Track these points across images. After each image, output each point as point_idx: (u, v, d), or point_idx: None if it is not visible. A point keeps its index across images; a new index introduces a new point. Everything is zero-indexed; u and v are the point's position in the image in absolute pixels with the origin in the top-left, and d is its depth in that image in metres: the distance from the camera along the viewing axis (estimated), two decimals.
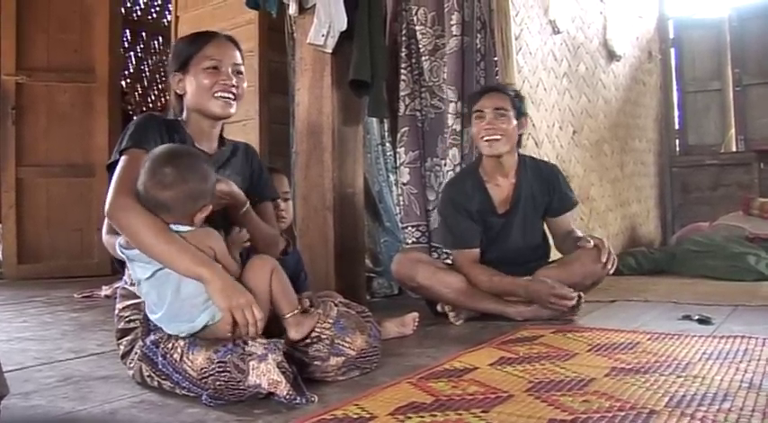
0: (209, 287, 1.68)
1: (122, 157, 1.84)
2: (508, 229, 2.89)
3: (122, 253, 1.77)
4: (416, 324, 2.52)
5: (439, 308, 2.83)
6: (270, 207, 2.17)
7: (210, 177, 1.77)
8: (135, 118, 1.98)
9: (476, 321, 2.76)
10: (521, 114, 2.87)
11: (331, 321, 1.86)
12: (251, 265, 1.82)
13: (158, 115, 2.06)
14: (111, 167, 1.87)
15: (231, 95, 1.98)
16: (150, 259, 1.71)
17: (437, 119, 3.57)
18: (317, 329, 1.83)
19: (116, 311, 1.92)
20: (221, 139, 2.09)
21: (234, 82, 1.98)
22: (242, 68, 2.03)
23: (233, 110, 2.00)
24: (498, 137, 2.79)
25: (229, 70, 1.98)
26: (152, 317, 1.76)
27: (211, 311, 1.68)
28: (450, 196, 2.95)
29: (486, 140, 2.80)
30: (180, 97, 2.04)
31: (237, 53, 2.04)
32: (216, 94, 1.95)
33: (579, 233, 2.84)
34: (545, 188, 2.91)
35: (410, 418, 1.42)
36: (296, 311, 1.82)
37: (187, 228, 1.73)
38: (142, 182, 1.71)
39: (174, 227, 1.72)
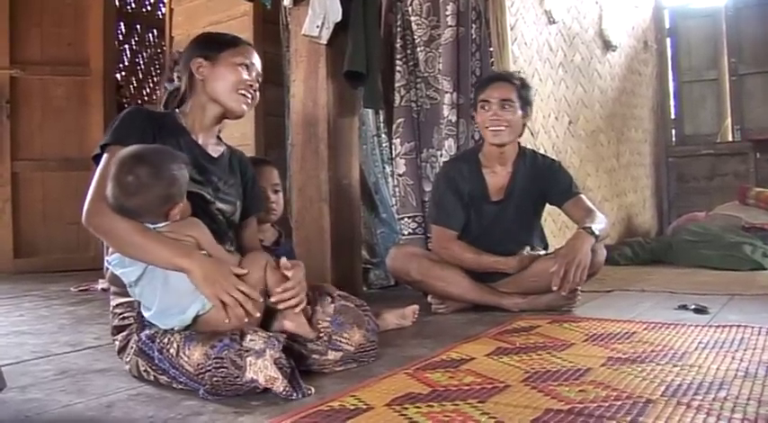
0: (191, 278, 1.68)
1: (104, 155, 1.84)
2: (501, 217, 2.89)
3: (108, 265, 1.79)
4: (416, 317, 2.52)
5: (429, 299, 2.83)
6: (255, 220, 2.19)
7: (178, 179, 1.74)
8: (125, 110, 1.96)
9: (472, 312, 2.76)
10: (526, 104, 2.87)
11: (328, 319, 1.88)
12: (244, 262, 1.82)
13: (146, 109, 2.05)
14: (96, 159, 1.88)
15: (251, 98, 2.00)
16: (133, 261, 1.72)
17: (432, 110, 3.56)
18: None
19: (110, 309, 1.92)
20: (218, 137, 2.10)
21: (257, 87, 2.02)
22: (260, 80, 2.06)
23: (246, 109, 2.02)
24: (503, 127, 2.80)
25: (254, 75, 2.02)
26: (146, 314, 1.76)
27: (201, 301, 1.68)
28: (446, 172, 2.99)
29: (492, 130, 2.81)
30: (192, 82, 2.01)
31: (260, 65, 2.07)
32: (240, 91, 1.97)
33: (597, 215, 2.80)
34: (540, 179, 2.91)
35: (407, 408, 1.43)
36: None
37: (162, 224, 1.74)
38: (109, 189, 1.72)
39: (149, 226, 1.73)
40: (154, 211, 1.72)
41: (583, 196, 2.92)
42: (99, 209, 1.74)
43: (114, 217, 1.72)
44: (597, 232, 2.64)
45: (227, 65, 1.97)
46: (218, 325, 1.69)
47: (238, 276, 1.73)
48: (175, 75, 2.08)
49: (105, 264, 1.84)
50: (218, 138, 2.10)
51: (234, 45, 2.02)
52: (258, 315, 1.72)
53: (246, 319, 1.69)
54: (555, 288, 2.55)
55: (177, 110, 2.03)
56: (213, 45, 2.02)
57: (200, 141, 2.00)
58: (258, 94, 2.05)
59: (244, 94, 1.98)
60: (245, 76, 1.98)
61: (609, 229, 2.88)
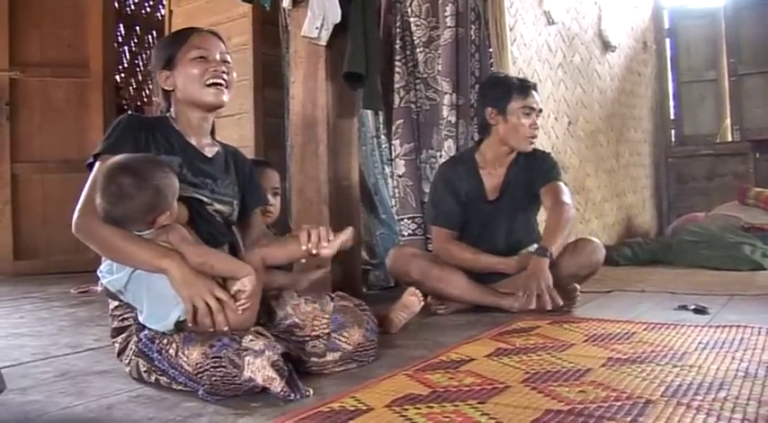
0: (170, 279, 1.69)
1: (96, 164, 1.84)
2: (498, 215, 2.90)
3: (99, 275, 1.81)
4: (421, 300, 2.51)
5: (429, 299, 2.83)
6: (259, 215, 2.18)
7: (162, 188, 1.74)
8: (117, 118, 1.95)
9: (471, 313, 2.76)
10: None
11: (327, 317, 1.88)
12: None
13: (139, 116, 2.05)
14: (91, 167, 1.87)
15: (223, 82, 1.96)
16: (121, 267, 1.73)
17: (432, 111, 3.57)
18: (315, 326, 1.85)
19: (109, 311, 1.92)
20: (212, 136, 2.09)
21: (224, 69, 1.97)
22: (228, 58, 2.02)
23: (225, 98, 1.97)
24: (536, 136, 2.90)
25: (217, 58, 1.97)
26: (140, 318, 1.77)
27: (181, 307, 1.69)
28: (443, 173, 3.00)
29: (530, 138, 2.86)
30: (166, 95, 2.02)
31: (222, 44, 2.03)
32: (207, 82, 1.93)
33: (567, 201, 2.80)
34: (530, 169, 2.91)
35: (407, 409, 1.42)
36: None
37: (148, 231, 1.75)
38: (97, 199, 1.73)
39: (136, 233, 1.74)
40: (139, 220, 1.73)
41: (561, 184, 2.87)
42: (86, 217, 1.76)
43: (100, 224, 1.73)
44: (551, 251, 2.64)
45: (185, 64, 1.95)
46: (194, 327, 1.69)
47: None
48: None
49: (98, 272, 1.84)
50: (213, 137, 2.09)
51: (183, 41, 1.97)
52: (225, 328, 1.69)
53: (211, 329, 1.68)
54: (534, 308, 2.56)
55: (168, 114, 2.03)
56: (166, 52, 1.99)
57: (193, 143, 2.00)
58: (231, 77, 1.99)
59: (214, 83, 1.94)
60: (206, 65, 1.94)
61: (572, 226, 2.81)
